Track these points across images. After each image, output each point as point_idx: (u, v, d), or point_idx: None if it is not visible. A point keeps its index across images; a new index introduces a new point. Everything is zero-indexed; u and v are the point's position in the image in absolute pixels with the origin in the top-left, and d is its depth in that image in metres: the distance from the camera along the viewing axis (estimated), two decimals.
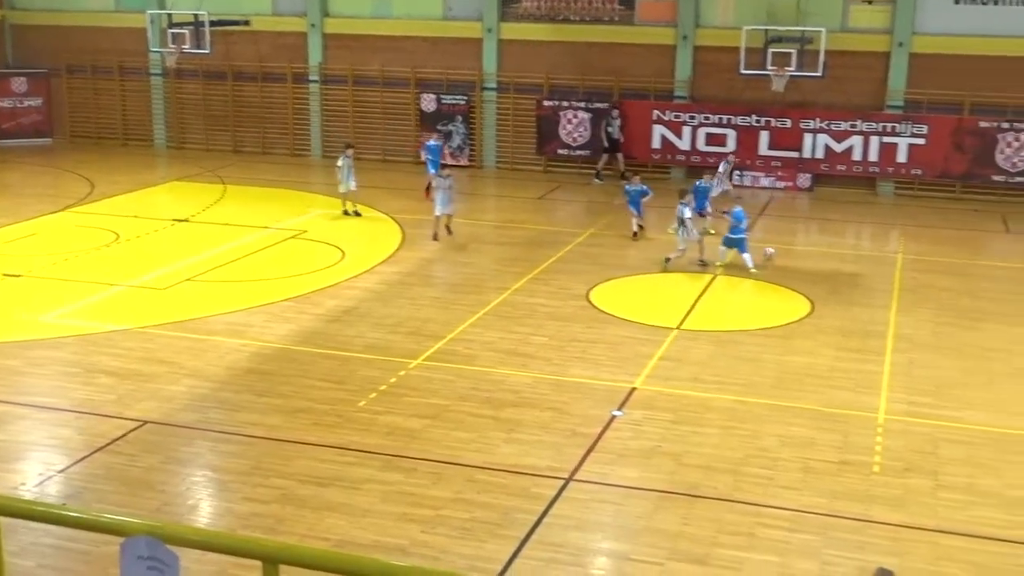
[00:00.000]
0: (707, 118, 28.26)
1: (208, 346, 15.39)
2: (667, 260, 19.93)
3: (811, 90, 27.07)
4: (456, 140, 30.57)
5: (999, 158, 26.48)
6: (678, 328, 16.54)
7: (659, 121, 28.62)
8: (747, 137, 28.00)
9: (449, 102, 30.48)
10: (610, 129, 28.63)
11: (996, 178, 26.64)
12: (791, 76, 25.95)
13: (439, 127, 29.83)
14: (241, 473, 11.54)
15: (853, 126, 27.31)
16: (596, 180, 28.51)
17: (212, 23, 28.74)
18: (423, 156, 27.20)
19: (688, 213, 20.15)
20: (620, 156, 28.66)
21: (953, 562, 9.97)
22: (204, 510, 11.00)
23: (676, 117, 28.53)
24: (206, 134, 32.63)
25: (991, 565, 9.96)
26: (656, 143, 28.74)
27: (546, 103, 29.53)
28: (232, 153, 31.96)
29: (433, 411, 13.13)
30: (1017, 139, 26.28)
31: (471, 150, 30.57)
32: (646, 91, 28.94)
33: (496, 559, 9.79)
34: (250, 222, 23.11)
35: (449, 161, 29.29)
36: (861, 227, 24.78)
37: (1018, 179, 26.52)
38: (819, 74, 25.73)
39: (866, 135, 27.21)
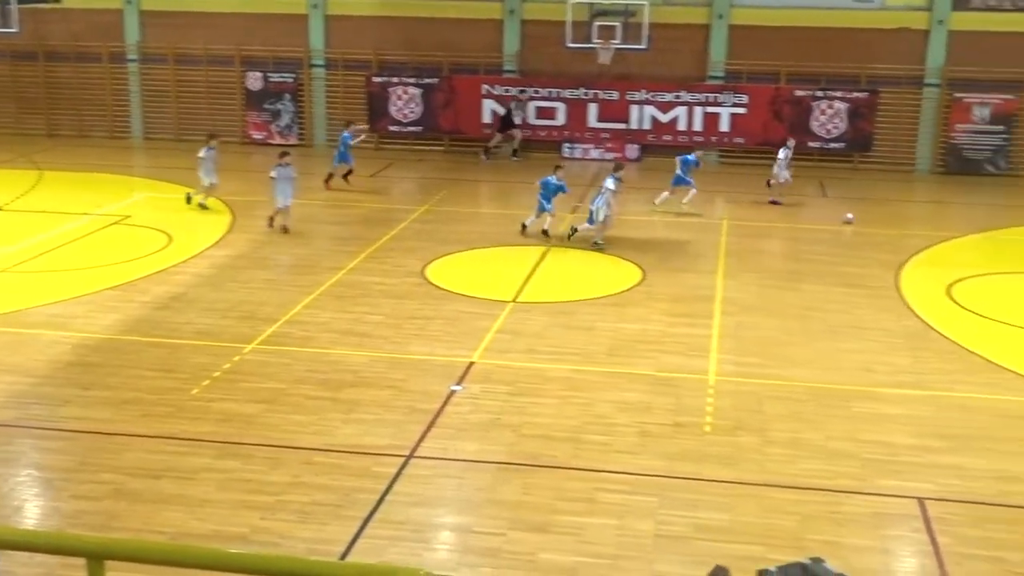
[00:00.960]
0: (537, 92, 28.52)
1: (28, 339, 14.72)
2: (595, 244, 19.71)
3: (636, 63, 27.61)
4: (285, 119, 30.00)
5: (814, 125, 27.61)
6: (513, 301, 16.69)
7: (489, 96, 28.73)
8: (576, 110, 28.41)
9: (276, 80, 29.88)
10: (515, 113, 28.43)
11: (812, 144, 27.77)
12: (616, 49, 26.41)
13: (352, 124, 26.22)
14: (68, 470, 11.10)
15: (677, 97, 28.02)
16: (484, 157, 28.49)
17: (20, 0, 27.35)
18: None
19: (612, 185, 19.83)
20: (518, 134, 28.53)
21: (781, 514, 10.39)
22: (30, 511, 10.53)
23: (506, 91, 28.68)
24: (16, 117, 31.11)
25: (815, 514, 10.42)
26: (487, 118, 28.84)
27: (375, 79, 29.26)
28: (46, 137, 30.59)
29: (270, 395, 12.90)
30: (831, 106, 27.42)
31: (300, 129, 30.06)
32: (475, 66, 28.99)
33: (338, 540, 9.71)
34: (69, 209, 22.17)
35: (278, 141, 28.76)
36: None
37: (833, 145, 27.70)
38: (643, 47, 26.28)
39: (690, 106, 27.97)
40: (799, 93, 27.49)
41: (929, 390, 13.56)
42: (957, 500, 10.77)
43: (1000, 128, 26.83)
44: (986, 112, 26.83)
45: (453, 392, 13.10)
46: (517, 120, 28.35)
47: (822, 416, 12.68)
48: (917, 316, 16.37)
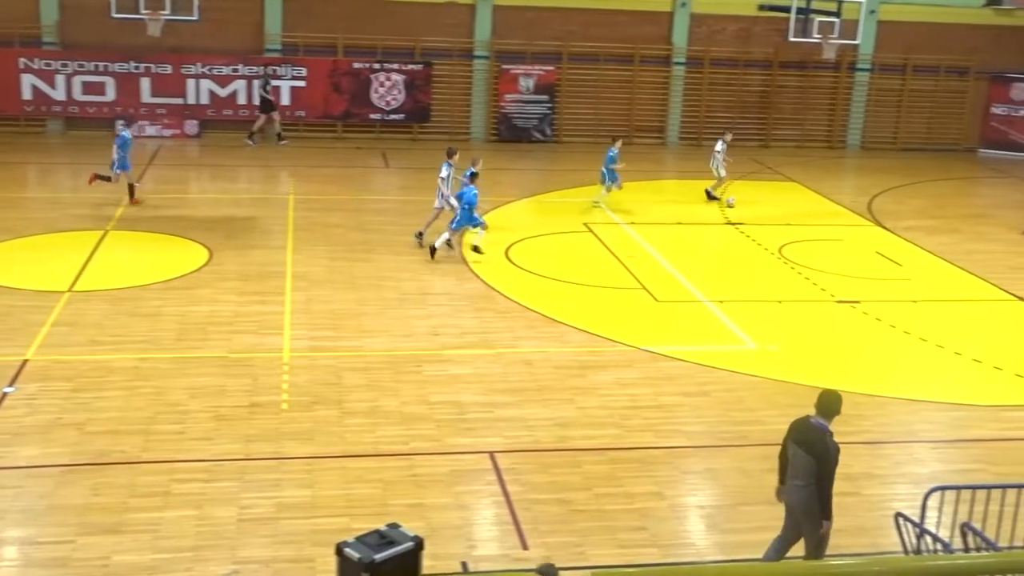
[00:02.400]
0: (81, 66, 26.71)
1: None
2: (443, 247, 18.00)
3: (189, 34, 26.60)
4: None
5: (374, 97, 28.07)
6: (70, 291, 15.58)
7: (28, 70, 26.53)
8: (127, 85, 26.93)
9: None
10: (267, 89, 26.67)
11: (373, 116, 28.24)
12: (167, 20, 25.26)
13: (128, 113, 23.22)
14: None
15: (235, 71, 27.37)
16: (249, 142, 26.15)
17: None
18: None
19: (444, 172, 18.41)
20: (276, 116, 26.74)
21: (363, 483, 10.52)
22: None
23: (47, 65, 26.62)
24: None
25: (396, 479, 10.65)
26: (27, 94, 26.64)
27: None
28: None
29: None
30: (388, 79, 27.99)
31: None
32: (9, 38, 26.61)
33: None
34: None
35: None
36: (252, 171, 25.00)
37: (392, 116, 28.32)
38: (195, 18, 25.34)
39: (249, 79, 27.41)
40: (357, 66, 27.80)
41: (494, 348, 14.29)
42: (524, 450, 11.44)
43: (544, 98, 28.72)
44: (531, 83, 28.60)
45: (6, 394, 12.02)
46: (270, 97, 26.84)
47: (397, 383, 12.97)
48: (479, 279, 17.16)
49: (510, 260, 18.27)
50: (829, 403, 8.70)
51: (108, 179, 20.36)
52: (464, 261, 17.96)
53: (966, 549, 8.58)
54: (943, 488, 9.21)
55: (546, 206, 22.30)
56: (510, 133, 28.82)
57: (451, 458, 11.20)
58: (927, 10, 29.53)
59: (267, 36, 27.61)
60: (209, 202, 21.47)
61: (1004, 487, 9.21)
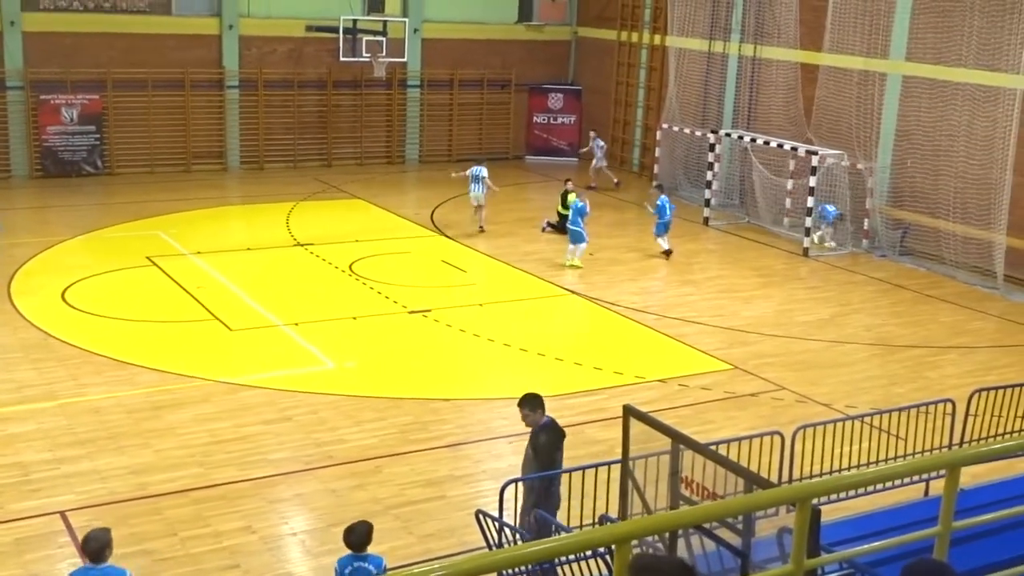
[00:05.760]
0: None
1: None
2: None
3: None
4: None
5: None
6: None
7: None
8: None
9: None
10: None
11: None
12: None
13: None
14: None
15: None
16: None
17: None
18: None
19: None
20: None
21: None
22: None
23: None
24: None
25: None
26: None
27: None
28: None
29: None
30: None
31: None
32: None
33: None
34: None
35: None
36: None
37: None
38: None
39: None
40: None
41: (58, 399, 13.30)
42: (99, 504, 10.74)
43: (91, 128, 27.13)
44: (74, 112, 26.94)
45: None
46: None
47: None
48: (35, 326, 15.91)
49: (68, 303, 17.09)
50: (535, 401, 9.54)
51: None
52: (15, 307, 16.58)
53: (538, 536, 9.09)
54: (517, 480, 9.71)
55: (104, 242, 21.08)
56: (56, 167, 26.95)
57: (17, 525, 10.28)
58: (466, 27, 31.14)
59: None
60: None
61: (570, 471, 9.85)
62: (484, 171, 22.89)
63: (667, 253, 21.32)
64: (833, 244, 22.67)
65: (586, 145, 29.11)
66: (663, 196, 21.65)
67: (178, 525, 10.39)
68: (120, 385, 13.86)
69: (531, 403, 9.59)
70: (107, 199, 25.16)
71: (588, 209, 20.79)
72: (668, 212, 21.41)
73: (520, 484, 9.59)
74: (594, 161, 28.11)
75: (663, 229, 21.42)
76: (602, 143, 28.28)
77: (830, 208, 22.61)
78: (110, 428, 12.53)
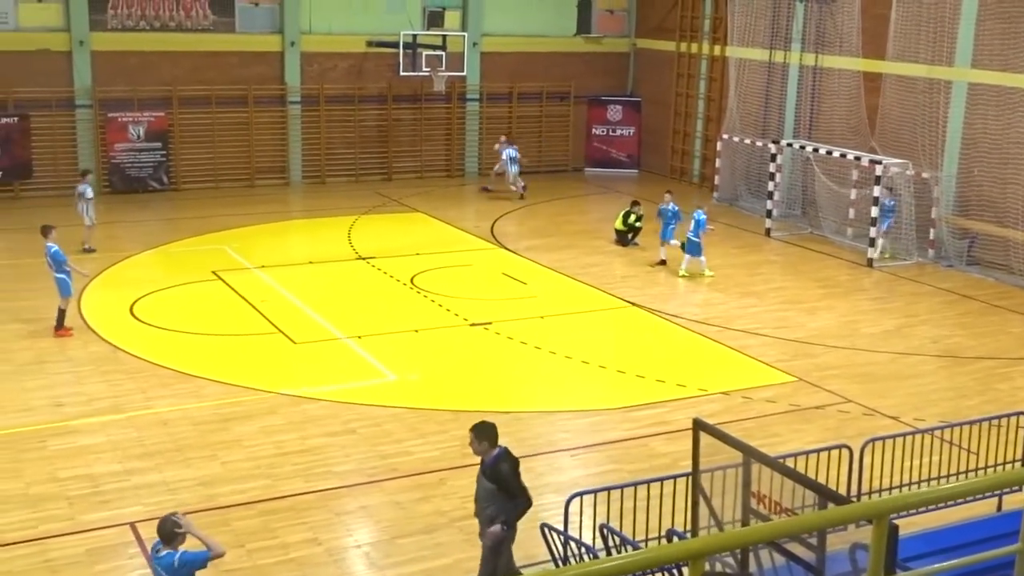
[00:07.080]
0: None
1: None
2: None
3: None
4: None
5: None
6: None
7: None
8: None
9: None
10: None
11: None
12: None
13: None
14: None
15: None
16: None
17: None
18: None
19: None
20: None
21: None
22: None
23: None
24: None
25: (27, 568, 9.77)
26: None
27: None
28: None
29: None
30: None
31: None
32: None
33: None
34: None
35: None
36: None
37: None
38: None
39: None
40: None
41: (126, 412, 13.50)
42: None
43: (157, 144, 27.58)
44: (141, 130, 27.41)
45: None
46: None
47: (17, 463, 11.94)
48: (104, 340, 16.19)
49: (136, 317, 17.37)
50: (487, 432, 8.99)
51: None
52: (84, 321, 16.88)
53: (607, 549, 9.05)
54: (581, 493, 9.67)
55: (170, 257, 21.41)
56: (123, 184, 27.44)
57: (88, 536, 10.45)
58: (525, 40, 31.23)
59: None
60: None
61: (635, 485, 9.80)
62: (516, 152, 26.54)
63: (663, 263, 21.29)
64: (885, 244, 22.20)
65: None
66: (674, 205, 21.49)
67: (245, 537, 10.49)
68: (187, 397, 14.04)
69: (480, 431, 8.99)
70: (173, 214, 25.55)
71: (707, 224, 20.88)
72: (675, 223, 21.39)
73: (582, 498, 9.54)
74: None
75: (670, 236, 21.28)
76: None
77: (887, 202, 22.08)
78: (178, 440, 12.69)
